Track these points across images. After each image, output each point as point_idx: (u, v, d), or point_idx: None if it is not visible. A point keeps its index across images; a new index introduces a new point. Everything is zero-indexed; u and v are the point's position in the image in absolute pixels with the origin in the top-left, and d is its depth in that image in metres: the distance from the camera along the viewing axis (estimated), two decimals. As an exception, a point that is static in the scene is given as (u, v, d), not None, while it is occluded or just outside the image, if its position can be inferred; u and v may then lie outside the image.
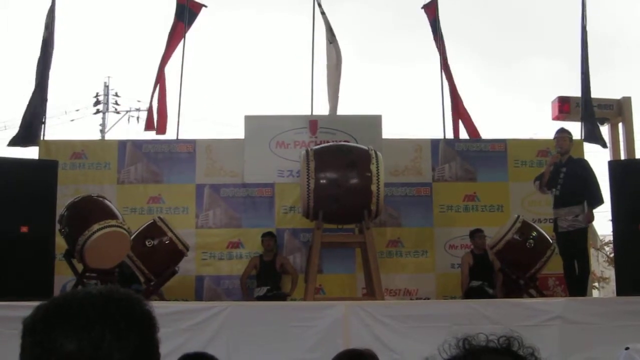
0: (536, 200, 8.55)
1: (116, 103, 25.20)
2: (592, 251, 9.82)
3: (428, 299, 8.30)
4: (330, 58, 9.46)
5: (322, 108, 9.40)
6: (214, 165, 8.81)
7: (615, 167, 7.18)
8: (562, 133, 7.57)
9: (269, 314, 5.74)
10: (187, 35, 9.45)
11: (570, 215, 7.21)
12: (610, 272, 17.21)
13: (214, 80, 51.55)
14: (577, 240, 7.24)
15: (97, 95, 25.09)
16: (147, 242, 7.17)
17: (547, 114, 9.97)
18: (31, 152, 8.63)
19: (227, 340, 5.47)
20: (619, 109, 9.57)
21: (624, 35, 61.70)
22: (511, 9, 61.26)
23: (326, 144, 7.90)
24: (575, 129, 8.64)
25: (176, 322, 5.38)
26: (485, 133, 9.48)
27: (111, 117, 25.12)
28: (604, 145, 9.00)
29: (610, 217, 7.40)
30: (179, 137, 9.05)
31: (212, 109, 49.85)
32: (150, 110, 9.45)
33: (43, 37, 8.84)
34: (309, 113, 9.15)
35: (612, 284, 11.70)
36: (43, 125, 8.79)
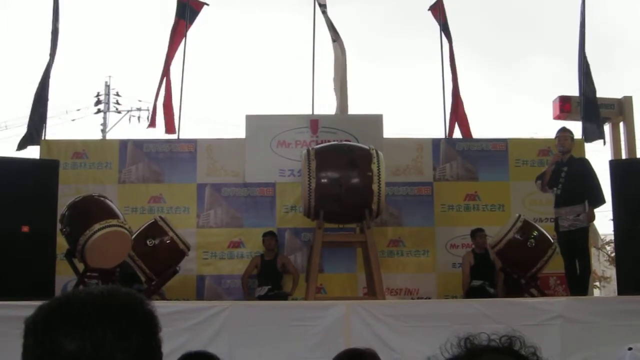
0: (537, 199, 8.54)
1: (117, 103, 25.20)
2: (593, 250, 9.80)
3: (429, 298, 8.30)
4: (337, 57, 9.45)
5: (323, 107, 9.42)
6: (215, 164, 8.81)
7: (616, 166, 7.18)
8: (564, 132, 7.56)
9: (270, 314, 5.75)
10: (188, 34, 9.46)
11: (572, 214, 7.20)
12: (612, 272, 17.20)
13: (215, 79, 51.58)
14: (578, 240, 7.23)
15: (98, 95, 25.11)
16: (148, 242, 7.17)
17: (547, 114, 9.99)
18: (32, 152, 8.66)
19: (228, 339, 5.47)
20: (620, 109, 9.56)
21: (625, 35, 61.66)
22: (511, 9, 61.25)
23: (327, 144, 7.88)
24: (576, 128, 8.65)
25: (177, 322, 5.38)
26: (486, 132, 9.55)
27: (112, 117, 25.16)
28: (603, 141, 9.01)
29: (611, 217, 7.40)
30: (180, 137, 9.05)
31: (213, 108, 49.85)
32: (154, 108, 9.43)
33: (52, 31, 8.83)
34: (310, 112, 9.15)
35: (613, 284, 11.72)
36: (44, 125, 8.81)
